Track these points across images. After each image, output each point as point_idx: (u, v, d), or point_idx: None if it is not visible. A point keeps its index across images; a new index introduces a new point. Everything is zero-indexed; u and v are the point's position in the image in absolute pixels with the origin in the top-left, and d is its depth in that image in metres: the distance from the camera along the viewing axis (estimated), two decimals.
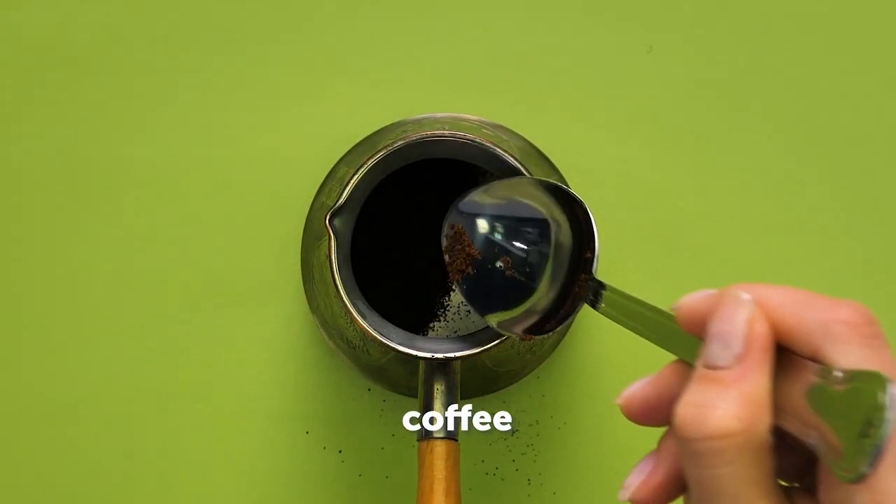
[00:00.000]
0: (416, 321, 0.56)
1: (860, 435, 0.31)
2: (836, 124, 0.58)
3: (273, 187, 0.58)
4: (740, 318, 0.35)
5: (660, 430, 0.37)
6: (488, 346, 0.50)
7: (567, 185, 0.54)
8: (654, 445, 0.37)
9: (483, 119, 0.57)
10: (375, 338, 0.50)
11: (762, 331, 0.34)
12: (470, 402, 0.57)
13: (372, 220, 0.56)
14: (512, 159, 0.50)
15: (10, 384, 0.57)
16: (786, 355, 0.35)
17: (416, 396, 0.55)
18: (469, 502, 0.57)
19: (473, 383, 0.56)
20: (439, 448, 0.49)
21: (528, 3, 0.58)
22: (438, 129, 0.51)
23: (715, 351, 0.34)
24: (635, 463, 0.37)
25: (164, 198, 0.58)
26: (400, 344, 0.50)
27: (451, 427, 0.49)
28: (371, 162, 0.50)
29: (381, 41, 0.58)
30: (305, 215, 0.57)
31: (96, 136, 0.58)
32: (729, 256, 0.58)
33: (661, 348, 0.38)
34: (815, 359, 0.34)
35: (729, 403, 0.33)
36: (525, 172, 0.50)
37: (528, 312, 0.47)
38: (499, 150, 0.50)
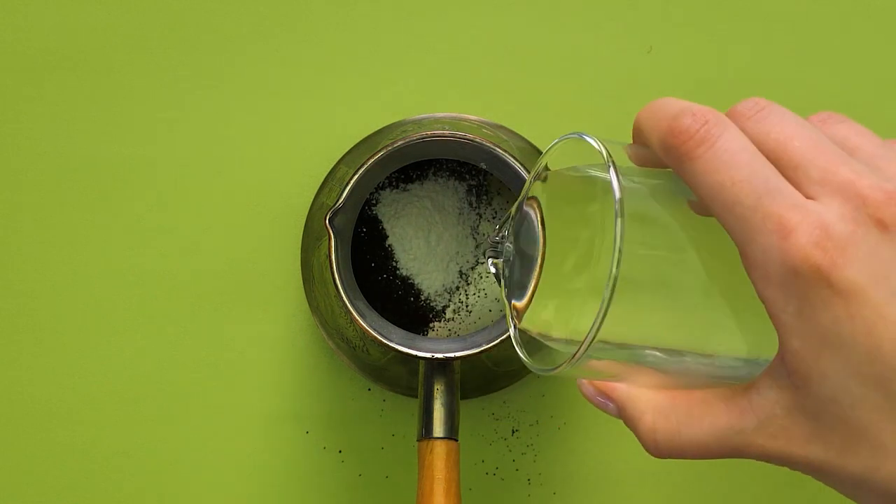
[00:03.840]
0: (416, 321, 0.56)
1: None
2: None
3: (273, 187, 0.58)
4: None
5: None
6: (488, 346, 0.50)
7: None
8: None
9: (483, 119, 0.57)
10: (375, 338, 0.50)
11: None
12: (470, 402, 0.57)
13: (372, 221, 0.56)
14: (512, 159, 0.50)
15: (10, 384, 0.57)
16: None
17: (416, 396, 0.55)
18: (469, 502, 0.57)
19: (473, 383, 0.56)
20: (439, 448, 0.49)
21: (529, 3, 0.58)
22: (438, 129, 0.51)
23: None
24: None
25: (164, 198, 0.58)
26: (400, 344, 0.50)
27: (451, 426, 0.49)
28: (371, 162, 0.50)
29: (381, 41, 0.58)
30: (305, 215, 0.57)
31: (96, 136, 0.58)
32: None
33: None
34: None
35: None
36: (525, 173, 0.50)
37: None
38: (499, 150, 0.50)
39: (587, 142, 0.37)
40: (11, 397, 0.57)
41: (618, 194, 0.35)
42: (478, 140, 0.51)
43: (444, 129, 0.51)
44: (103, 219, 0.58)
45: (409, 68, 0.58)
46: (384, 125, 0.57)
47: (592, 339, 0.35)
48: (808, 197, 0.34)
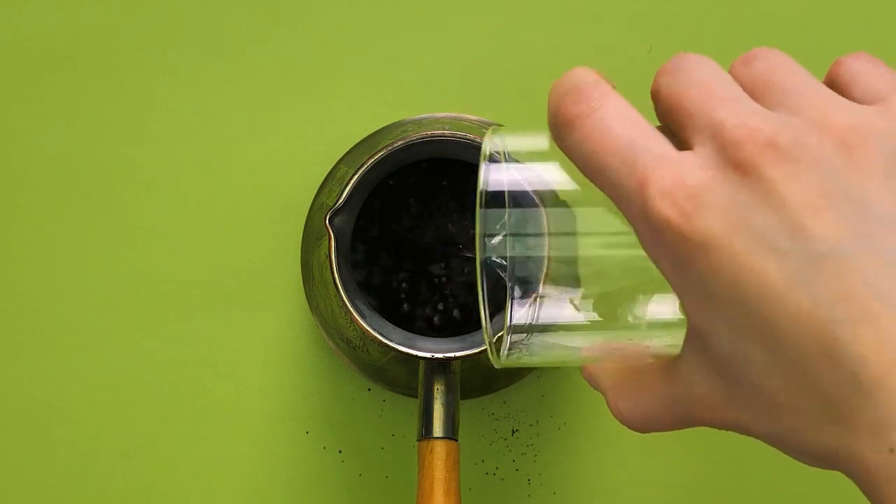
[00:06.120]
0: (417, 321, 0.56)
1: None
2: None
3: (273, 187, 0.58)
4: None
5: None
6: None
7: None
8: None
9: (483, 119, 0.57)
10: (375, 338, 0.50)
11: None
12: (470, 402, 0.57)
13: (372, 220, 0.56)
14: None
15: (10, 384, 0.57)
16: None
17: (416, 396, 0.55)
18: (469, 502, 0.57)
19: (473, 383, 0.56)
20: (439, 448, 0.49)
21: (529, 3, 0.58)
22: (438, 129, 0.51)
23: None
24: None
25: (164, 198, 0.58)
26: (400, 344, 0.50)
27: (451, 426, 0.49)
28: (371, 162, 0.50)
29: (381, 41, 0.58)
30: (305, 215, 0.57)
31: (96, 136, 0.58)
32: None
33: None
34: None
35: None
36: None
37: None
38: None
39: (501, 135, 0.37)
40: (11, 397, 0.57)
41: (480, 185, 0.35)
42: (478, 140, 0.51)
43: (444, 129, 0.51)
44: (103, 219, 0.58)
45: (409, 68, 0.58)
46: (384, 125, 0.57)
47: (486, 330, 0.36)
48: (690, 147, 0.32)
